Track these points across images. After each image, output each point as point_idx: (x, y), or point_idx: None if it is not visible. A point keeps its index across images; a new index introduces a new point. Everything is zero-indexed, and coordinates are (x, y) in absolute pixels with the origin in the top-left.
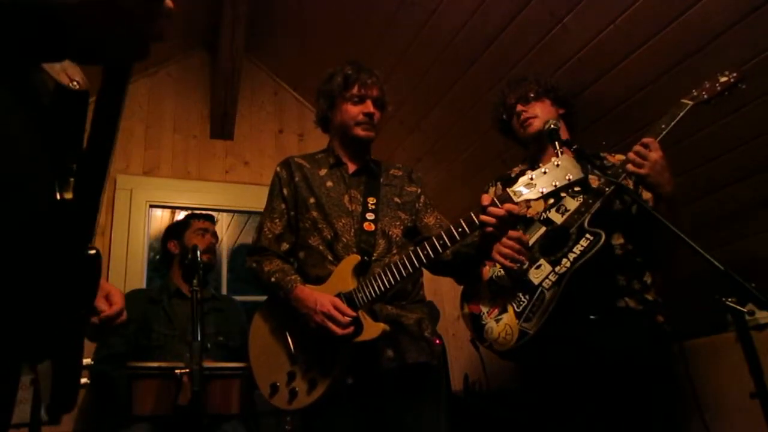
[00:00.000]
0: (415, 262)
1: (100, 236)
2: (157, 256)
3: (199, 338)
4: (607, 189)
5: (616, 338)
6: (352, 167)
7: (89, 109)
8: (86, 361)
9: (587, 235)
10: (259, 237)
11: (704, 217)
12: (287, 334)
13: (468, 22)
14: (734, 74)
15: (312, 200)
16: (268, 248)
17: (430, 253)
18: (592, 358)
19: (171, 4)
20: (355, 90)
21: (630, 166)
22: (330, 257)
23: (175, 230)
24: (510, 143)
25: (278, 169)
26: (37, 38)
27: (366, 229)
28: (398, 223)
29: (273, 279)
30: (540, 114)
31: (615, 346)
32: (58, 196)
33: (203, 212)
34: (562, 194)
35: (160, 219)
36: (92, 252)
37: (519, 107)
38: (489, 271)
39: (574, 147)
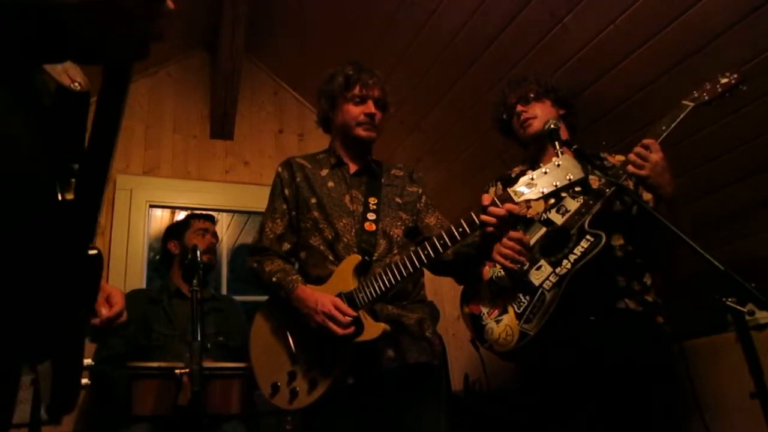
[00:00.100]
0: (416, 262)
1: (100, 236)
2: (157, 256)
3: (199, 338)
4: (607, 190)
5: (616, 339)
6: (353, 167)
7: (90, 110)
8: (87, 361)
9: (588, 237)
10: (260, 237)
11: (704, 217)
12: (288, 333)
13: (468, 22)
14: (735, 75)
15: (313, 200)
16: (269, 248)
17: (431, 253)
18: (592, 359)
19: (171, 5)
20: (356, 90)
21: (631, 168)
22: (331, 257)
23: (175, 230)
24: (510, 143)
25: (280, 169)
26: (38, 39)
27: (367, 229)
28: (399, 223)
29: (274, 279)
30: (540, 114)
31: (615, 347)
32: (60, 197)
33: (203, 212)
34: (563, 194)
35: (160, 219)
36: (93, 252)
37: (519, 107)
38: (489, 271)
39: (574, 147)
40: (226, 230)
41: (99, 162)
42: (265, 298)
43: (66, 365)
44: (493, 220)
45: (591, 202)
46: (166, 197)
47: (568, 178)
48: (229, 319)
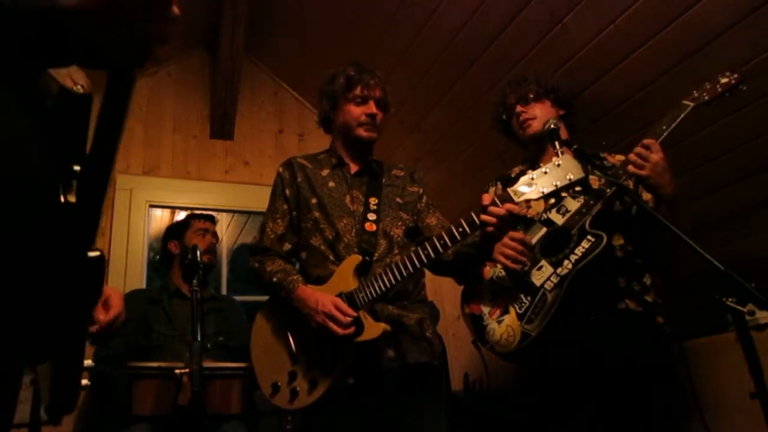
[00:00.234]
0: (416, 262)
1: (100, 236)
2: (157, 256)
3: (199, 338)
4: (608, 190)
5: (617, 339)
6: (354, 168)
7: (92, 112)
8: (87, 362)
9: (589, 237)
10: (261, 237)
11: (704, 217)
12: (289, 333)
13: (468, 22)
14: (735, 75)
15: (314, 200)
16: (270, 248)
17: (431, 253)
18: (593, 359)
19: (177, 10)
20: (357, 91)
21: (631, 168)
22: (331, 257)
23: (175, 230)
24: (510, 143)
25: (281, 169)
26: (40, 42)
27: (367, 229)
28: (400, 223)
29: (275, 279)
30: (539, 115)
31: (615, 347)
32: (62, 199)
33: (204, 212)
34: (563, 194)
35: (160, 219)
36: (95, 254)
37: (518, 108)
38: (490, 271)
39: (574, 147)
40: (226, 230)
41: (101, 164)
42: (264, 298)
43: (66, 366)
44: (493, 219)
45: (591, 202)
46: (166, 197)
47: (568, 177)
48: (229, 319)
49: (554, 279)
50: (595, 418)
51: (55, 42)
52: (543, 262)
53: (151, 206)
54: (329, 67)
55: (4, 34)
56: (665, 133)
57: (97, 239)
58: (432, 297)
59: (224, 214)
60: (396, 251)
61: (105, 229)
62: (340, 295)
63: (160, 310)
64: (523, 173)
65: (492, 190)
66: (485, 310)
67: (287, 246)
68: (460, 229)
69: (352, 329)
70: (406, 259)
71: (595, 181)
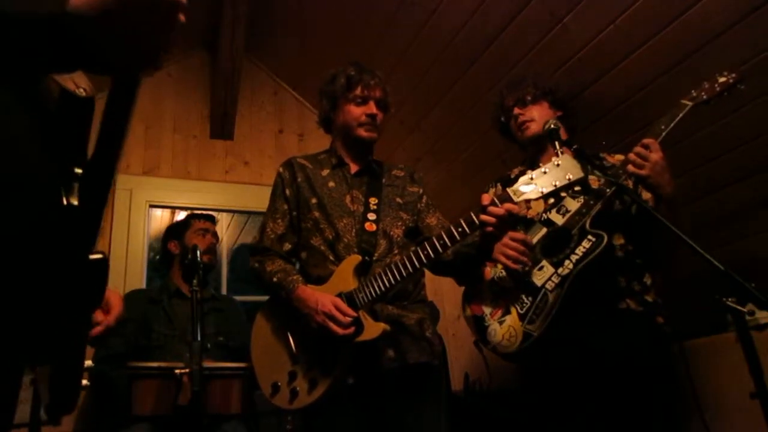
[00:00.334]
0: (416, 262)
1: (100, 236)
2: (157, 256)
3: (199, 338)
4: (608, 190)
5: (617, 339)
6: (354, 168)
7: (91, 115)
8: (87, 363)
9: (589, 237)
10: (261, 237)
11: (704, 217)
12: (289, 333)
13: (468, 22)
14: (733, 75)
15: (314, 200)
16: (270, 248)
17: (431, 253)
18: (593, 359)
19: (183, 18)
20: (358, 91)
21: (630, 167)
22: (331, 257)
23: (175, 230)
24: (510, 143)
25: (281, 169)
26: (50, 50)
27: (367, 229)
28: (399, 223)
29: (275, 279)
30: (537, 117)
31: (615, 347)
32: (65, 201)
33: (204, 212)
34: (563, 194)
35: (160, 219)
36: (98, 257)
37: (516, 110)
38: (491, 271)
39: (574, 147)
40: (226, 230)
41: (104, 168)
42: (264, 298)
43: (66, 367)
44: (492, 219)
45: (591, 202)
46: (166, 197)
47: (567, 177)
48: (229, 319)
49: (555, 279)
50: (595, 418)
51: (64, 48)
52: (544, 263)
53: (151, 206)
54: (329, 67)
55: (10, 38)
56: (664, 133)
57: (97, 240)
58: (432, 297)
59: (224, 214)
60: (396, 251)
61: (105, 229)
62: (339, 295)
63: (160, 310)
64: (522, 174)
65: (492, 191)
66: (487, 310)
67: (287, 246)
68: (460, 229)
69: (351, 329)
70: (405, 259)
71: (594, 181)
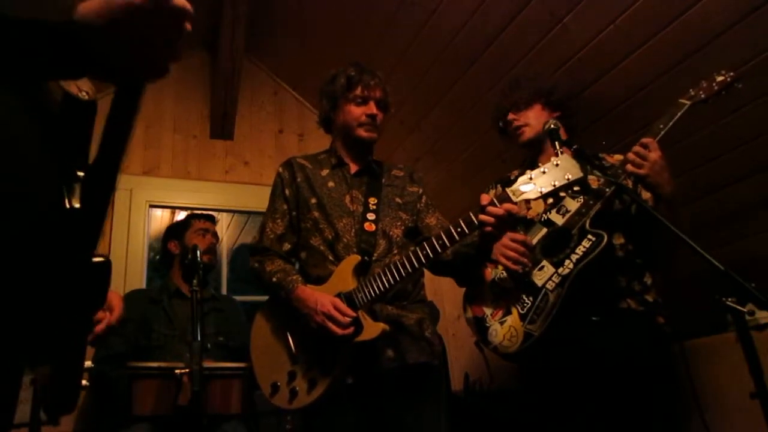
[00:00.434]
0: (415, 263)
1: (100, 237)
2: (157, 256)
3: (199, 338)
4: (607, 190)
5: (617, 339)
6: (354, 168)
7: (93, 118)
8: (87, 363)
9: (589, 236)
10: (261, 237)
11: (704, 217)
12: (288, 333)
13: (468, 22)
14: (731, 74)
15: (313, 200)
16: (270, 248)
17: (430, 253)
18: (593, 359)
19: (189, 27)
20: (358, 91)
21: (629, 167)
22: (331, 257)
23: (175, 230)
24: (510, 144)
25: (280, 169)
26: (55, 57)
27: (367, 229)
28: (399, 223)
29: (274, 279)
30: (532, 122)
31: (616, 347)
32: (68, 204)
33: (204, 212)
34: (562, 194)
35: (160, 219)
36: (101, 260)
37: (510, 116)
38: (491, 273)
39: (574, 147)
40: (226, 230)
41: (107, 171)
42: (264, 298)
43: (66, 367)
44: (491, 219)
45: (591, 202)
46: (166, 197)
47: (566, 177)
48: (229, 319)
49: (556, 279)
50: (595, 418)
51: (70, 56)
52: (544, 263)
53: (151, 206)
54: (329, 67)
55: (13, 42)
56: (663, 132)
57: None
58: (432, 297)
59: (224, 214)
60: (395, 251)
61: (105, 229)
62: (339, 295)
63: (160, 310)
64: (522, 175)
65: (492, 192)
66: (487, 311)
67: (287, 246)
68: (459, 229)
69: (351, 329)
70: (404, 259)
71: (594, 181)
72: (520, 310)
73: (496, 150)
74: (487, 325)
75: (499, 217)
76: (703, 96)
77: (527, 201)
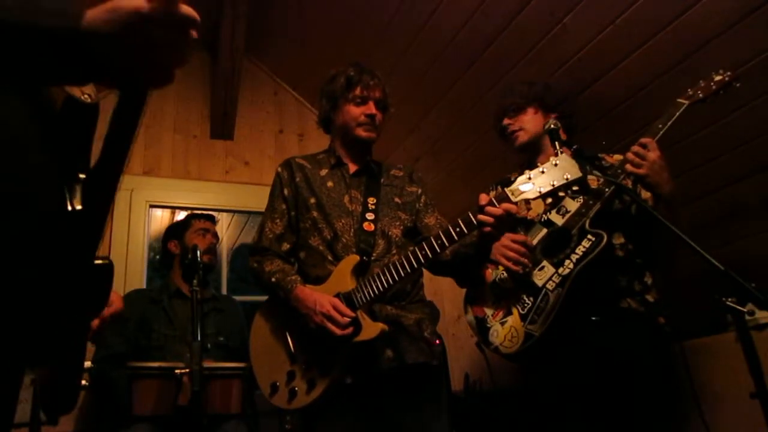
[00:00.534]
0: (414, 263)
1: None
2: (157, 256)
3: (199, 338)
4: (607, 190)
5: (617, 339)
6: (353, 168)
7: (95, 120)
8: (86, 363)
9: (589, 236)
10: (260, 237)
11: (704, 217)
12: (287, 333)
13: (468, 22)
14: (729, 73)
15: (312, 200)
16: (269, 248)
17: (429, 253)
18: (594, 359)
19: (195, 35)
20: (357, 91)
21: (629, 167)
22: (330, 257)
23: (175, 230)
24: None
25: (279, 169)
26: (60, 63)
27: (366, 229)
28: (398, 223)
29: (273, 279)
30: (526, 126)
31: (616, 347)
32: (70, 207)
33: (204, 212)
34: (561, 194)
35: (160, 219)
36: (103, 262)
37: (505, 121)
38: (492, 273)
39: (574, 147)
40: (226, 230)
41: (109, 174)
42: (264, 298)
43: (66, 368)
44: (490, 219)
45: (591, 202)
46: (166, 197)
47: (565, 177)
48: (229, 319)
49: (556, 279)
50: (596, 418)
51: (76, 63)
52: (544, 263)
53: (151, 206)
54: (329, 67)
55: (16, 47)
56: (661, 132)
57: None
58: (432, 297)
59: (224, 214)
60: (394, 251)
61: (105, 229)
62: (338, 296)
63: (161, 310)
64: (521, 175)
65: (492, 193)
66: (488, 312)
67: (286, 246)
68: (458, 229)
69: (350, 329)
70: (404, 259)
71: (593, 181)
72: (521, 311)
73: (496, 150)
74: (488, 325)
75: (497, 217)
76: (701, 95)
77: (527, 201)
